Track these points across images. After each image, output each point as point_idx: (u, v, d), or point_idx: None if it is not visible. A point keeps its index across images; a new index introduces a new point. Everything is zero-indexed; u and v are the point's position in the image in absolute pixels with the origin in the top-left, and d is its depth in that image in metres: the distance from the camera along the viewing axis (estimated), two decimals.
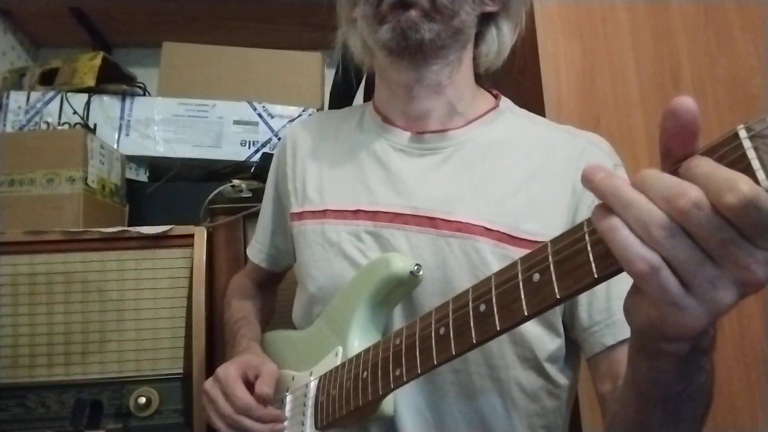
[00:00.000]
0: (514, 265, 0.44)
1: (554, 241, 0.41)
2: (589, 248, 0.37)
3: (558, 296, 0.39)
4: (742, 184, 0.30)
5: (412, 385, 0.63)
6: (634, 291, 0.38)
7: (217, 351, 1.03)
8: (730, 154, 0.31)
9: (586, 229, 0.38)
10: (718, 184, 0.31)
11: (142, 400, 0.97)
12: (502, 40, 0.76)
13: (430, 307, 0.53)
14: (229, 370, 0.67)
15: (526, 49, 1.14)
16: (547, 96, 1.10)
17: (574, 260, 0.38)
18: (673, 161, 0.34)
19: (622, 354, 0.61)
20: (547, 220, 0.66)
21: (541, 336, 0.65)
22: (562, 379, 0.68)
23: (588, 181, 0.37)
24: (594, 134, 0.74)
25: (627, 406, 0.49)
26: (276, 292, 0.97)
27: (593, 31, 1.15)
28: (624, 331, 0.62)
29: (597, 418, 0.99)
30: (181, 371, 1.00)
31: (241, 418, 0.64)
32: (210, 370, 1.00)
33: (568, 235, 0.40)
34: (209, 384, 0.68)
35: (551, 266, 0.40)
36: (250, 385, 0.67)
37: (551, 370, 0.66)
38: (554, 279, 0.40)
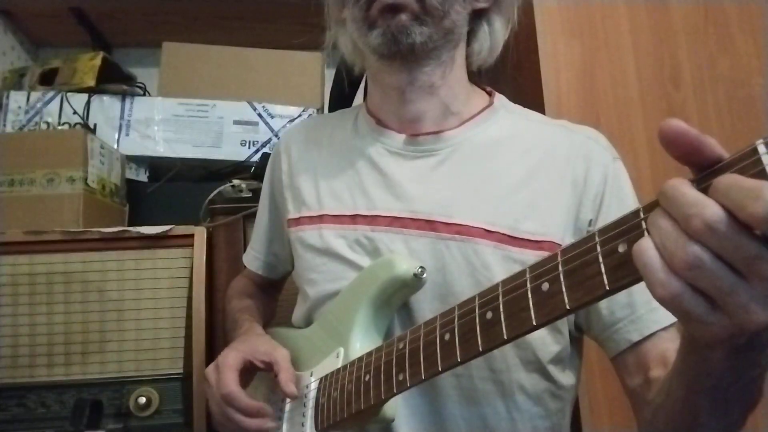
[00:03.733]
0: (522, 273, 0.43)
1: (564, 250, 0.40)
2: (600, 259, 0.37)
3: (568, 307, 0.39)
4: (766, 191, 0.28)
5: (413, 390, 0.63)
6: None
7: (217, 351, 1.02)
8: (749, 170, 0.30)
9: (597, 239, 0.37)
10: (741, 195, 0.29)
11: (142, 400, 0.97)
12: (494, 36, 0.75)
13: (429, 311, 0.52)
14: (228, 357, 0.67)
15: (526, 49, 1.14)
16: (547, 96, 1.10)
17: (584, 271, 0.38)
18: (697, 169, 0.33)
19: (651, 346, 0.62)
20: (547, 219, 0.66)
21: (544, 338, 0.65)
22: (565, 380, 0.67)
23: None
24: (591, 128, 0.73)
25: (674, 395, 0.48)
26: (276, 298, 0.96)
27: (593, 31, 1.15)
28: (650, 325, 0.62)
29: (597, 418, 0.99)
30: (181, 371, 1.00)
31: (225, 406, 0.64)
32: None
33: (578, 245, 0.39)
34: (209, 369, 0.68)
35: (561, 276, 0.39)
36: (253, 371, 0.67)
37: (554, 371, 0.66)
38: (564, 289, 0.39)
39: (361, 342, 0.64)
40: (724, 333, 0.33)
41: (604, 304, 0.64)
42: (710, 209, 0.30)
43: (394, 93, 0.73)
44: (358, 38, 0.71)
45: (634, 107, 1.12)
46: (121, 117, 1.34)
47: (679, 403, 0.47)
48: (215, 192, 1.15)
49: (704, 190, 0.32)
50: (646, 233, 0.34)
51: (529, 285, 0.42)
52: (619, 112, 1.11)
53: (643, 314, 0.63)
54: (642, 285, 0.36)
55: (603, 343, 0.67)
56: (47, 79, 1.37)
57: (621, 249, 0.35)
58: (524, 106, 0.79)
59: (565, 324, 0.67)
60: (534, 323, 0.41)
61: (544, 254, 0.44)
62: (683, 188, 0.32)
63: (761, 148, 0.30)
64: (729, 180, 0.30)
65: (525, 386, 0.64)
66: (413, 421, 0.64)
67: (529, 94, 1.12)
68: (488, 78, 0.79)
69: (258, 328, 0.77)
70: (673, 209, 0.32)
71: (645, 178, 1.05)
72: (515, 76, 1.13)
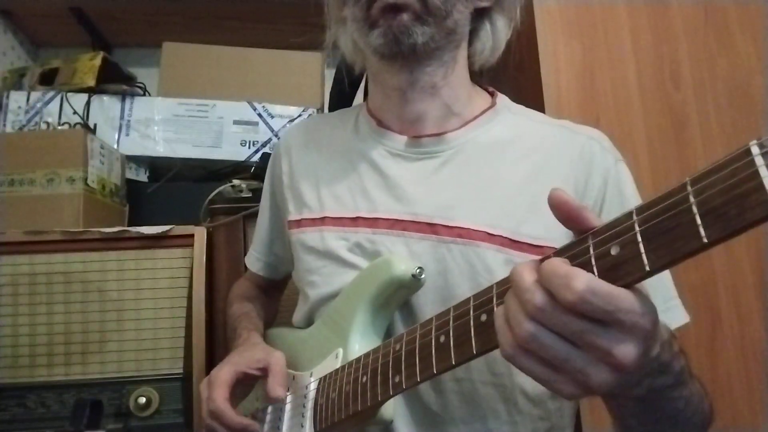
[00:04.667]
0: None
1: (558, 252, 0.40)
2: (593, 261, 0.37)
3: None
4: (575, 281, 0.34)
5: (413, 393, 0.63)
6: None
7: (217, 351, 1.03)
8: (741, 171, 0.30)
9: (591, 241, 0.37)
10: (556, 282, 0.35)
11: (142, 400, 0.97)
12: (496, 36, 0.74)
13: (430, 313, 0.52)
14: (221, 371, 0.67)
15: (526, 49, 1.14)
16: (546, 96, 1.10)
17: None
18: (577, 233, 0.39)
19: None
20: (549, 223, 0.64)
21: None
22: None
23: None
24: (593, 129, 0.73)
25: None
26: (279, 298, 0.96)
27: (593, 31, 1.15)
28: (680, 316, 0.65)
29: (597, 418, 0.99)
30: (181, 371, 1.00)
31: (214, 423, 0.64)
32: (210, 370, 1.00)
33: (572, 246, 0.39)
34: (202, 384, 0.68)
35: None
36: (249, 381, 0.67)
37: None
38: None
39: (360, 343, 0.63)
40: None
41: None
42: (537, 295, 0.36)
43: (395, 94, 0.72)
44: (358, 38, 0.70)
45: (634, 107, 1.12)
46: (121, 117, 1.34)
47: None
48: (215, 192, 1.15)
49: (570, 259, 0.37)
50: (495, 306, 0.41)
51: None
52: (619, 112, 1.11)
53: (670, 307, 0.64)
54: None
55: None
56: (47, 79, 1.37)
57: (614, 251, 0.36)
58: (524, 105, 0.79)
59: None
60: None
61: None
62: (524, 274, 0.38)
63: (754, 149, 0.30)
64: (549, 267, 0.36)
65: (526, 389, 0.64)
66: (414, 424, 0.64)
67: (529, 94, 1.12)
68: (489, 78, 0.79)
69: (255, 336, 0.76)
70: (515, 291, 0.38)
71: (645, 178, 1.05)
72: (517, 77, 1.13)
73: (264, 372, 0.67)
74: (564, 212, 0.39)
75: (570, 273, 0.35)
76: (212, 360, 1.01)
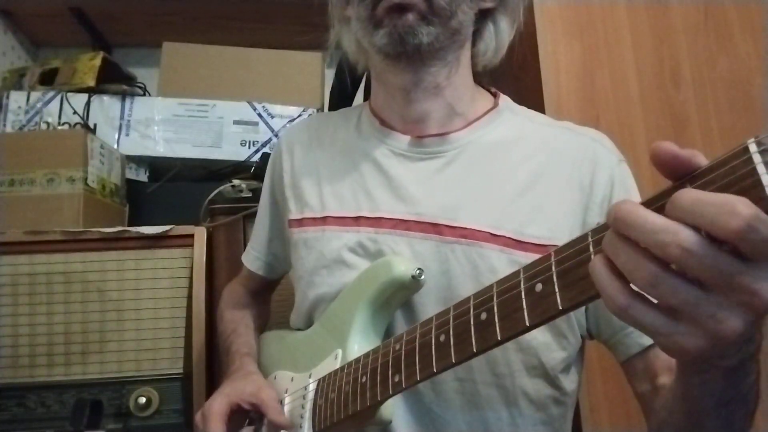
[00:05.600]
0: (516, 273, 0.43)
1: (558, 250, 0.40)
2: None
3: (560, 307, 0.39)
4: (740, 206, 0.29)
5: (414, 393, 0.63)
6: None
7: (217, 351, 1.03)
8: (739, 169, 0.30)
9: (590, 239, 0.37)
10: (715, 211, 0.29)
11: (142, 400, 0.97)
12: (500, 36, 0.74)
13: (432, 314, 0.52)
14: (213, 405, 0.66)
15: (526, 49, 1.14)
16: (547, 96, 1.10)
17: (577, 271, 0.38)
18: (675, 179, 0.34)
19: (659, 352, 0.60)
20: (552, 223, 0.65)
21: (548, 344, 0.64)
22: (568, 386, 0.67)
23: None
24: (595, 131, 0.73)
25: (677, 414, 0.48)
26: (270, 300, 0.96)
27: (593, 31, 1.15)
28: None
29: (597, 418, 0.99)
30: (181, 371, 1.00)
31: None
32: (210, 370, 1.00)
33: (572, 245, 0.39)
34: (197, 418, 0.67)
35: (554, 276, 0.39)
36: (243, 415, 0.66)
37: (559, 377, 0.65)
38: (557, 290, 0.39)
39: (360, 343, 0.63)
40: (696, 346, 0.33)
41: None
42: (684, 233, 0.30)
43: (398, 93, 0.72)
44: (362, 37, 0.70)
45: (634, 107, 1.12)
46: (121, 117, 1.34)
47: (683, 421, 0.48)
48: (215, 192, 1.15)
49: (660, 209, 0.32)
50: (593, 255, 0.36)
51: (522, 286, 0.42)
52: (619, 112, 1.11)
53: None
54: None
55: (613, 347, 0.66)
56: (47, 79, 1.37)
57: None
58: (524, 105, 0.79)
59: (572, 329, 0.66)
60: (527, 324, 0.41)
61: None
62: (648, 215, 0.32)
63: (752, 147, 0.30)
64: (692, 196, 0.31)
65: (529, 392, 0.64)
66: (415, 425, 0.63)
67: (529, 93, 1.12)
68: (490, 77, 0.79)
69: (249, 364, 0.75)
70: (641, 237, 0.32)
71: (645, 178, 1.05)
72: (517, 76, 1.13)
73: (255, 408, 0.66)
74: (674, 164, 0.34)
75: (730, 199, 0.29)
76: (212, 360, 1.01)
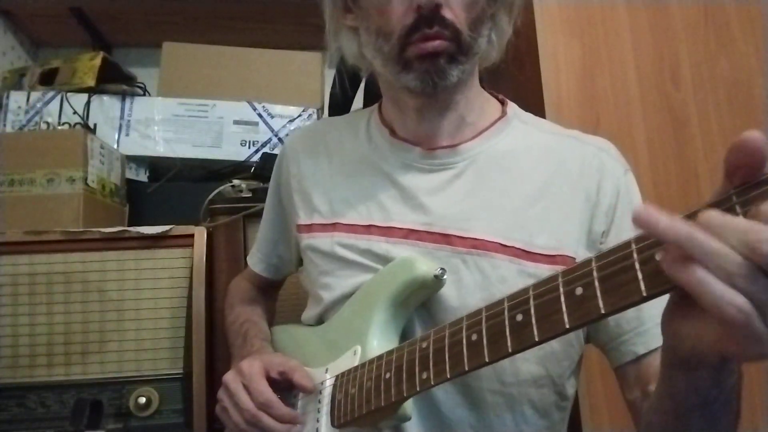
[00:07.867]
0: (553, 278, 0.44)
1: (599, 257, 0.41)
2: (637, 266, 0.38)
3: (603, 311, 0.40)
4: None
5: (422, 398, 0.63)
6: (682, 314, 0.38)
7: (217, 351, 1.03)
8: None
9: (634, 246, 0.38)
10: None
11: (142, 400, 0.97)
12: (500, 35, 0.74)
13: (442, 322, 0.53)
14: (254, 365, 0.66)
15: (524, 48, 1.14)
16: (547, 96, 1.10)
17: (620, 277, 0.39)
18: (738, 183, 0.35)
19: (652, 360, 0.62)
20: (560, 233, 0.66)
21: (557, 353, 0.65)
22: (570, 391, 0.68)
23: (645, 225, 0.35)
24: (602, 139, 0.73)
25: (665, 414, 0.49)
26: (276, 297, 0.96)
27: (593, 31, 1.15)
28: (656, 340, 0.62)
29: (597, 419, 0.99)
30: (181, 371, 1.00)
31: (261, 413, 0.63)
32: (210, 370, 1.00)
33: (614, 251, 0.40)
34: (230, 376, 0.67)
35: (596, 281, 0.40)
36: (271, 383, 0.67)
37: (563, 385, 0.66)
38: (599, 294, 0.40)
39: (379, 340, 0.64)
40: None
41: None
42: None
43: (413, 113, 0.72)
44: (386, 72, 0.69)
45: (634, 107, 1.12)
46: (121, 117, 1.34)
47: (670, 422, 0.49)
48: (215, 192, 1.15)
49: (745, 214, 0.33)
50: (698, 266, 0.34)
51: (561, 289, 0.43)
52: (619, 112, 1.11)
53: (650, 328, 0.63)
54: (652, 301, 0.37)
55: (607, 353, 0.67)
56: (47, 79, 1.37)
57: (658, 257, 0.36)
58: (524, 106, 0.79)
59: (577, 337, 0.67)
60: (567, 326, 0.42)
61: (559, 268, 0.45)
62: (729, 218, 0.33)
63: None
64: None
65: (534, 400, 0.64)
66: (423, 424, 0.64)
67: (529, 93, 1.12)
68: (490, 77, 0.79)
69: (269, 347, 0.77)
70: (730, 238, 0.33)
71: (645, 178, 1.05)
72: (516, 76, 1.13)
73: (283, 377, 0.67)
74: (749, 158, 0.35)
75: None
76: (212, 360, 1.01)
